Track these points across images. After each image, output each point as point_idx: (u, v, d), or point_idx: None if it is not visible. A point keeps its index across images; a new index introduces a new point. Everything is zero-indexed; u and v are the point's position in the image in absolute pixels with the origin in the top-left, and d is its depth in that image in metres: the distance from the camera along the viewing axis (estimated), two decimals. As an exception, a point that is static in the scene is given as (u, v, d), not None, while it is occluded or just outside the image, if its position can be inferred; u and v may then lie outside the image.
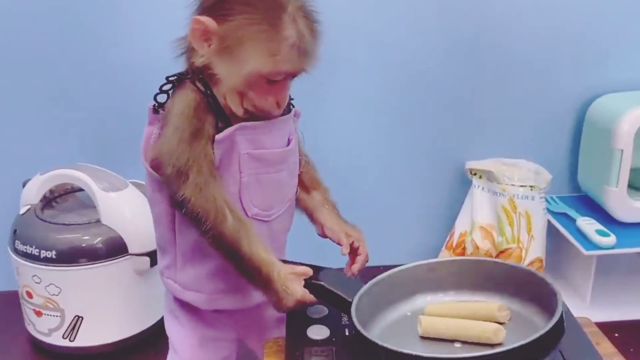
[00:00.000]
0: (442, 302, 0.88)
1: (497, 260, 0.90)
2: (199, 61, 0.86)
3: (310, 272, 0.88)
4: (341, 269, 0.97)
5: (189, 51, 0.88)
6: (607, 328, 0.93)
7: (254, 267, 0.85)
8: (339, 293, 0.85)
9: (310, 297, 0.86)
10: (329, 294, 0.86)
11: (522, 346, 0.68)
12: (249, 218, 0.90)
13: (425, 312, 0.88)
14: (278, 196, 0.94)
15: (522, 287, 0.84)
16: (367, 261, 1.00)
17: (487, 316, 0.83)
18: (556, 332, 0.73)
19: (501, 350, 0.69)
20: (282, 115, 0.92)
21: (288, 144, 0.94)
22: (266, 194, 0.92)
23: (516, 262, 1.75)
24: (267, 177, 0.91)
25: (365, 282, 0.87)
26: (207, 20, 0.83)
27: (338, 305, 0.85)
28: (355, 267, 0.99)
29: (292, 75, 0.87)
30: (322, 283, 0.86)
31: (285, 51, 0.83)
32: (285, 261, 0.89)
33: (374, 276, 0.88)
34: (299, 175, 0.99)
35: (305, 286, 0.87)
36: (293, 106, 0.96)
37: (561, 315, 0.74)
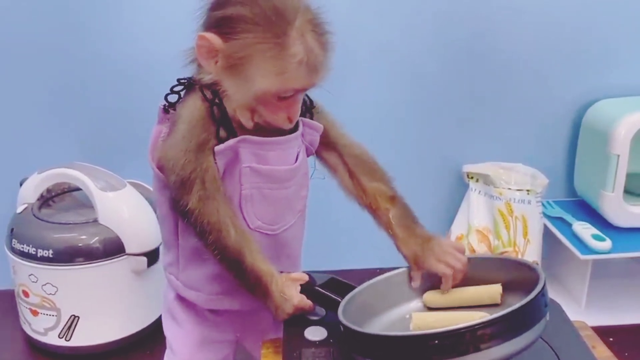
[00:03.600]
0: (441, 290, 0.88)
1: (487, 255, 0.89)
2: (206, 78, 0.84)
3: (305, 277, 0.88)
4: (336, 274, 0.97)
5: (196, 62, 0.86)
6: (603, 332, 0.93)
7: (255, 278, 0.85)
8: (335, 297, 0.85)
9: (307, 302, 0.86)
10: (325, 299, 0.86)
11: (484, 322, 0.67)
12: (251, 230, 0.89)
13: (424, 299, 0.88)
14: (285, 211, 0.93)
15: (516, 279, 0.83)
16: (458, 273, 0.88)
17: (489, 299, 0.84)
18: (527, 314, 0.70)
19: (466, 325, 0.67)
20: (291, 132, 0.90)
21: (296, 161, 0.92)
22: (271, 209, 0.91)
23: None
24: (272, 193, 0.90)
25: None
26: (212, 38, 0.81)
27: (335, 309, 0.85)
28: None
29: (302, 90, 0.85)
30: (318, 288, 0.87)
31: (293, 69, 0.80)
32: (281, 272, 0.88)
33: (370, 279, 0.88)
34: (361, 189, 0.97)
35: (302, 292, 0.87)
36: (312, 116, 0.94)
37: (536, 296, 0.71)
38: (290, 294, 0.85)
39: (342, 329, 0.77)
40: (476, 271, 0.88)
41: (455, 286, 0.88)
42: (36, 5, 1.71)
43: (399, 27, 1.79)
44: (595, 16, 1.82)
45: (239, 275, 0.85)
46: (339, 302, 0.83)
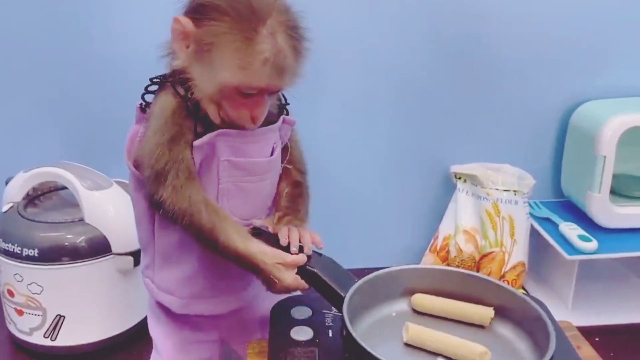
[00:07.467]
0: (432, 297, 0.88)
1: (489, 278, 0.89)
2: (176, 63, 0.85)
3: (301, 262, 0.86)
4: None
5: (173, 53, 0.87)
6: (588, 332, 0.93)
7: (238, 257, 0.84)
8: (332, 285, 0.84)
9: (301, 283, 0.85)
10: (321, 284, 0.85)
11: None
12: None
13: (412, 301, 0.88)
14: (260, 205, 0.93)
15: (512, 309, 0.84)
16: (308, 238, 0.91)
17: (478, 320, 0.85)
18: None
19: None
20: (270, 124, 0.90)
21: (272, 154, 0.92)
22: (247, 203, 0.91)
23: (500, 266, 1.77)
24: (249, 186, 0.90)
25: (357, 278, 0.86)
26: (185, 21, 0.82)
27: (328, 296, 0.84)
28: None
29: (267, 91, 0.84)
30: (317, 271, 0.85)
31: (257, 66, 0.80)
32: (283, 248, 0.87)
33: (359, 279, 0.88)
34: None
35: (299, 271, 0.85)
36: (287, 112, 0.94)
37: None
38: (282, 277, 0.84)
39: (342, 328, 0.76)
40: (472, 289, 0.88)
41: (448, 297, 0.88)
42: (22, 5, 1.70)
43: (387, 28, 1.79)
44: (583, 18, 1.83)
45: (223, 255, 0.85)
46: (334, 291, 0.82)
